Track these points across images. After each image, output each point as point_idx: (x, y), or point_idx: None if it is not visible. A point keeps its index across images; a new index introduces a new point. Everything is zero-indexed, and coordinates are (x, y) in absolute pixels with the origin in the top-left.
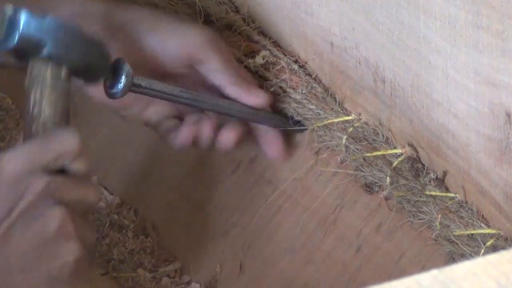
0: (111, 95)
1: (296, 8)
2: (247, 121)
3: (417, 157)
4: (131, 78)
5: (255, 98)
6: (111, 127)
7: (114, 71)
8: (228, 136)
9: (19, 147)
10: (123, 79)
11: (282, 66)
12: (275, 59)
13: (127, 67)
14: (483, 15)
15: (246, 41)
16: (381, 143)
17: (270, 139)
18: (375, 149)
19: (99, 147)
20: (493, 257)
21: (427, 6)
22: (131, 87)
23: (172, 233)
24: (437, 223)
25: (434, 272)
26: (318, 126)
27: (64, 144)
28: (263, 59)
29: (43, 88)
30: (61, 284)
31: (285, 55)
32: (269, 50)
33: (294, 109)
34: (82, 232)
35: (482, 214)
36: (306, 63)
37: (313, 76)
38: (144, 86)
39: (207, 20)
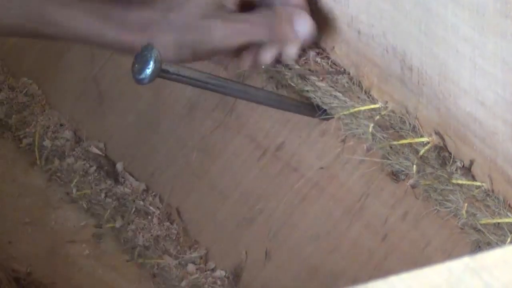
0: (138, 81)
1: None
2: (273, 108)
3: (444, 146)
4: (160, 64)
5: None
6: (137, 113)
7: (143, 56)
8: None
9: None
10: (151, 65)
11: (307, 58)
12: (299, 51)
13: (155, 53)
14: (511, 4)
15: None
16: (407, 131)
17: None
18: (402, 137)
19: (125, 134)
20: None
21: None
22: (160, 73)
23: (198, 220)
24: (464, 212)
25: (466, 259)
26: (345, 114)
27: None
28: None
29: None
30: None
31: (310, 47)
32: None
33: (320, 98)
34: None
35: (509, 203)
36: (333, 48)
37: (339, 65)
38: (172, 72)
39: None
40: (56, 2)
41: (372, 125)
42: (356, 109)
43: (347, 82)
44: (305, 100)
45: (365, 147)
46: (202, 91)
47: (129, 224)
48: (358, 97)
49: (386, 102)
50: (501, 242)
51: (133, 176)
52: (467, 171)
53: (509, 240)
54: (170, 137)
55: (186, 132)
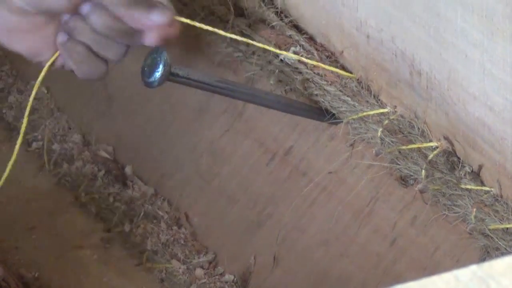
0: (148, 84)
1: (332, 0)
2: (282, 111)
3: (452, 150)
4: (169, 67)
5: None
6: (146, 117)
7: (152, 59)
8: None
9: None
10: (161, 68)
11: (316, 61)
12: (308, 55)
13: (165, 56)
14: None
15: (279, 35)
16: (416, 136)
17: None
18: (411, 142)
19: (133, 137)
20: None
21: None
22: (169, 76)
23: (206, 224)
24: (472, 217)
25: (473, 267)
26: (354, 119)
27: None
28: (296, 55)
29: None
30: None
31: (318, 50)
32: (301, 45)
33: (329, 102)
34: None
35: None
36: (342, 52)
37: (347, 70)
38: (182, 76)
39: (240, 14)
40: None
41: (380, 129)
42: (364, 113)
43: (356, 86)
44: (314, 104)
45: (373, 152)
46: (211, 94)
47: (137, 228)
48: (367, 102)
49: (395, 106)
50: (510, 248)
51: (141, 180)
52: (476, 176)
53: None
54: (179, 141)
55: (195, 136)
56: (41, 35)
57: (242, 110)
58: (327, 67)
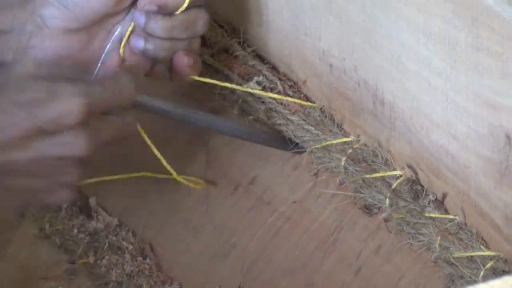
0: None
1: (295, 29)
2: (244, 139)
3: (416, 179)
4: None
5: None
6: (109, 147)
7: None
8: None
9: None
10: None
11: (279, 91)
12: (271, 84)
13: None
14: (483, 37)
15: (243, 65)
16: (380, 165)
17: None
18: (374, 171)
19: (98, 168)
20: (495, 283)
21: (427, 28)
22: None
23: (171, 254)
24: (437, 245)
25: None
26: (317, 148)
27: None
28: (259, 85)
29: None
30: None
31: (282, 80)
32: (264, 75)
33: (292, 131)
34: None
35: (482, 236)
36: (305, 82)
37: (310, 99)
38: (141, 103)
39: (202, 44)
40: None
41: (344, 158)
42: (328, 143)
43: (319, 116)
44: (278, 134)
45: (337, 181)
46: (175, 125)
47: (102, 259)
48: (330, 131)
49: (358, 135)
50: (474, 276)
51: (106, 211)
52: (440, 204)
53: (482, 273)
54: (143, 171)
55: (158, 166)
56: (90, 50)
57: (206, 141)
58: (289, 99)
